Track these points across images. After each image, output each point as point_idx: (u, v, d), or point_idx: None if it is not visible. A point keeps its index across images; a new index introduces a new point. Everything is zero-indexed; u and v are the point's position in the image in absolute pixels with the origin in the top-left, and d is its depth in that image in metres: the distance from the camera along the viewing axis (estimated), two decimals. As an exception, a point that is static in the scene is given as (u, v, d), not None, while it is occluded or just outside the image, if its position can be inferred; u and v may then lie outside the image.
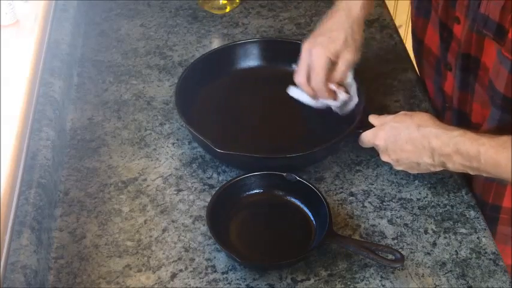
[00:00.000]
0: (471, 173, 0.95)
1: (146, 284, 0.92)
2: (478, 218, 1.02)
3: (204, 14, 1.42)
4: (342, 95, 1.10)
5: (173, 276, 0.94)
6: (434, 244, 0.99)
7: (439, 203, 1.04)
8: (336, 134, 1.06)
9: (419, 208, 1.04)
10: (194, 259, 0.96)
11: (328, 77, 1.08)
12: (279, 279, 0.94)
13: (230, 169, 1.08)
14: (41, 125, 1.05)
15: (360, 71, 1.13)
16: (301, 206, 1.02)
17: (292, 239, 0.99)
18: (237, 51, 1.24)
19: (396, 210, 1.03)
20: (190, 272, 0.94)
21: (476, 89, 1.03)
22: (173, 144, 1.13)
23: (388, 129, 1.01)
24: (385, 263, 0.93)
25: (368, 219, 1.02)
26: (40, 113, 1.07)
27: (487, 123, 1.02)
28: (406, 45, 1.36)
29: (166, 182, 1.07)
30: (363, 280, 0.93)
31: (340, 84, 1.10)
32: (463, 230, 1.01)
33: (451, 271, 0.95)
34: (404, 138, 0.98)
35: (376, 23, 1.41)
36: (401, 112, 1.03)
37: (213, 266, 0.95)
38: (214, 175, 1.08)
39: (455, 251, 0.98)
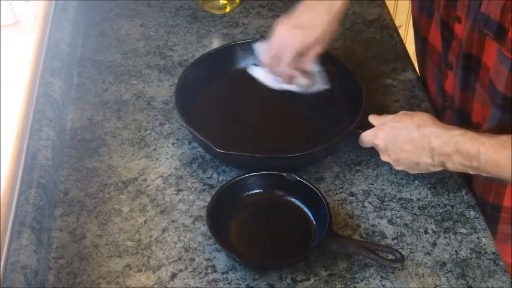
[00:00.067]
0: (471, 172, 0.95)
1: (146, 284, 0.92)
2: (478, 218, 1.02)
3: (204, 14, 1.42)
4: (302, 81, 1.13)
5: (173, 276, 0.94)
6: (434, 244, 0.99)
7: (439, 203, 1.04)
8: (336, 134, 1.06)
9: (419, 208, 1.04)
10: (194, 259, 0.96)
11: (292, 64, 1.10)
12: (279, 279, 0.94)
13: (230, 169, 1.08)
14: (41, 125, 1.05)
15: (360, 71, 1.14)
16: (301, 206, 1.02)
17: (292, 239, 0.99)
18: (237, 51, 1.24)
19: (396, 210, 1.03)
20: (190, 272, 0.94)
21: (477, 89, 1.03)
22: (173, 144, 1.13)
23: (388, 129, 1.01)
24: (385, 263, 0.93)
25: (368, 219, 1.02)
26: (40, 113, 1.07)
27: (487, 123, 1.02)
28: (406, 45, 1.36)
29: (166, 182, 1.07)
30: (363, 280, 0.93)
31: (302, 70, 1.12)
32: (463, 230, 1.01)
33: (451, 271, 0.95)
34: (404, 138, 0.98)
35: (376, 23, 1.41)
36: (401, 112, 1.03)
37: (213, 266, 0.95)
38: (214, 175, 1.08)
39: (455, 251, 0.98)
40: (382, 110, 1.10)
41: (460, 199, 1.05)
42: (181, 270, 0.94)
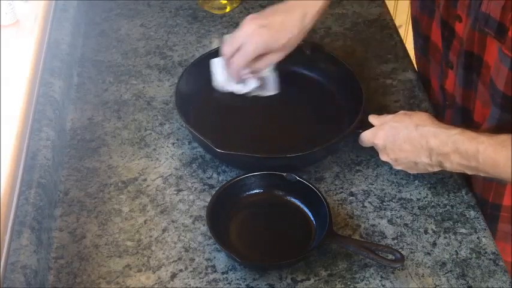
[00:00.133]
0: (469, 172, 0.95)
1: (146, 284, 0.92)
2: (478, 218, 1.02)
3: (204, 14, 1.42)
4: (252, 83, 1.11)
5: (173, 276, 0.94)
6: (434, 244, 0.99)
7: (439, 203, 1.04)
8: (336, 134, 1.06)
9: (419, 208, 1.04)
10: (194, 259, 0.96)
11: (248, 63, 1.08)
12: (279, 279, 0.94)
13: (230, 169, 1.08)
14: (41, 125, 1.05)
15: (360, 71, 1.13)
16: (301, 206, 1.02)
17: (292, 239, 0.99)
18: (237, 51, 1.24)
19: (396, 210, 1.03)
20: (190, 272, 0.94)
21: (479, 87, 1.03)
22: (173, 144, 1.13)
23: (388, 128, 1.01)
24: (385, 263, 0.93)
25: (368, 219, 1.02)
26: (40, 113, 1.07)
27: (487, 122, 1.02)
28: (406, 45, 1.36)
29: (166, 182, 1.07)
30: (363, 280, 0.93)
31: (254, 71, 1.10)
32: (463, 230, 1.01)
33: (451, 271, 0.95)
34: (403, 137, 0.98)
35: (376, 23, 1.41)
36: (401, 112, 1.03)
37: (213, 266, 0.95)
38: (214, 175, 1.08)
39: (455, 251, 0.98)
40: (382, 110, 1.10)
41: (460, 199, 1.05)
42: (181, 270, 0.94)
